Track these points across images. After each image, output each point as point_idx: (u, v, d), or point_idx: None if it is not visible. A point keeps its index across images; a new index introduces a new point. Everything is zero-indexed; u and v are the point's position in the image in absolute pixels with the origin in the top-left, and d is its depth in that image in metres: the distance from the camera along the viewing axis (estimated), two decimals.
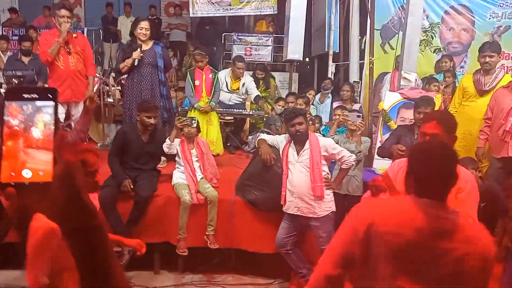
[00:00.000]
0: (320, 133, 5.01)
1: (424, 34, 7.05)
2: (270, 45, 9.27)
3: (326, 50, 8.07)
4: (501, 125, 4.04)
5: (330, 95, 6.74)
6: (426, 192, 1.63)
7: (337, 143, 3.98)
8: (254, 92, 6.19)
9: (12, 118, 0.74)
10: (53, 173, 0.74)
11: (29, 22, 10.20)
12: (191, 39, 10.71)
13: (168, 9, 12.53)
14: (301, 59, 7.24)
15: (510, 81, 4.07)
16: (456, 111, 4.64)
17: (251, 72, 7.01)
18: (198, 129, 4.40)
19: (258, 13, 9.51)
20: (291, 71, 7.74)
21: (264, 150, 3.96)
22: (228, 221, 4.17)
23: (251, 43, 9.31)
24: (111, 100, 6.63)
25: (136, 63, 4.92)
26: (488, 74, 4.38)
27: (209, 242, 4.13)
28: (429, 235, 1.55)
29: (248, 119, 6.65)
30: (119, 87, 7.00)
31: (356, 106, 5.95)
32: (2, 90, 6.31)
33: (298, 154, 3.72)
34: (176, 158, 4.35)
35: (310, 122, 4.46)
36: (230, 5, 9.30)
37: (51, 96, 0.76)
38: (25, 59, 6.72)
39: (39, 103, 0.75)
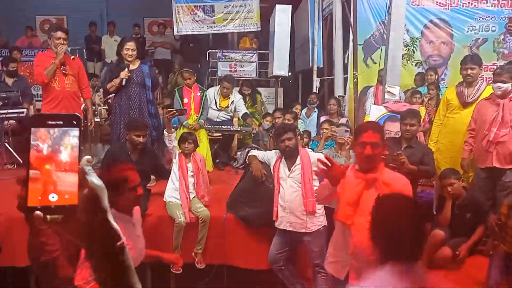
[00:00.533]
0: (309, 148, 5.07)
1: (405, 48, 7.21)
2: (254, 61, 9.37)
3: (310, 66, 8.20)
4: (484, 135, 4.14)
5: (316, 109, 6.83)
6: None
7: None
8: (243, 109, 6.24)
9: (40, 142, 0.75)
10: (78, 196, 0.75)
11: (11, 43, 10.12)
12: (175, 57, 10.76)
13: (151, 27, 12.60)
14: (287, 75, 7.33)
15: (492, 93, 4.19)
16: (441, 123, 4.75)
17: (238, 88, 7.06)
18: (195, 144, 4.42)
19: (242, 30, 9.63)
20: (276, 87, 7.82)
21: (255, 166, 3.98)
22: (219, 238, 4.17)
23: (235, 59, 9.40)
24: (98, 120, 6.61)
25: (124, 83, 4.93)
26: (471, 86, 4.50)
27: (196, 261, 4.12)
28: None
29: (236, 135, 6.69)
30: (106, 107, 6.98)
31: (343, 120, 6.03)
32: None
33: (289, 169, 3.74)
34: (173, 169, 4.35)
35: (299, 137, 4.51)
36: (214, 22, 9.41)
37: (75, 123, 0.78)
38: (9, 81, 6.65)
39: (64, 129, 0.77)
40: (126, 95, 5.00)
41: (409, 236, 1.72)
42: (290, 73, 9.51)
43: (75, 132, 0.77)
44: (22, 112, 6.10)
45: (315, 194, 3.69)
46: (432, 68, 6.74)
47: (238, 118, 6.56)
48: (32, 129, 0.75)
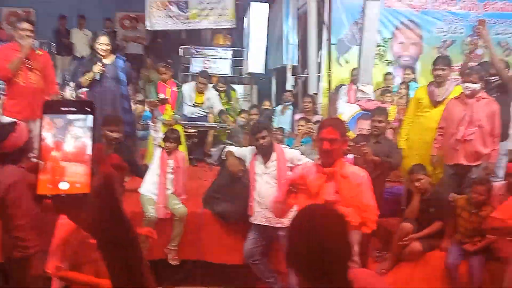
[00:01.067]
0: (285, 144, 5.12)
1: (378, 48, 7.37)
2: (229, 58, 9.35)
3: (284, 63, 8.25)
4: (453, 134, 4.29)
5: (291, 106, 6.89)
6: None
7: (302, 153, 4.08)
8: (218, 106, 6.24)
9: (50, 130, 0.74)
10: (90, 184, 0.74)
11: None
12: (147, 52, 10.62)
13: (123, 21, 12.36)
14: (263, 72, 7.37)
15: (462, 92, 4.34)
16: (411, 121, 4.88)
17: (212, 85, 7.05)
18: (178, 142, 4.40)
19: (217, 27, 9.57)
20: (251, 84, 7.85)
21: (231, 162, 4.00)
22: (194, 234, 4.17)
23: (209, 55, 9.36)
24: None
25: (97, 77, 4.84)
26: (441, 86, 4.63)
27: (170, 257, 4.11)
28: None
29: (211, 131, 6.67)
30: None
31: (318, 118, 6.11)
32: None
33: (265, 165, 3.79)
34: (154, 162, 4.31)
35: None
36: (188, 18, 9.31)
37: (89, 110, 0.76)
38: None
39: (77, 115, 0.75)
40: (100, 89, 4.91)
41: (332, 258, 1.35)
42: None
43: (87, 121, 0.76)
44: None
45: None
46: (410, 68, 6.94)
47: (213, 115, 6.55)
48: (44, 115, 0.74)
